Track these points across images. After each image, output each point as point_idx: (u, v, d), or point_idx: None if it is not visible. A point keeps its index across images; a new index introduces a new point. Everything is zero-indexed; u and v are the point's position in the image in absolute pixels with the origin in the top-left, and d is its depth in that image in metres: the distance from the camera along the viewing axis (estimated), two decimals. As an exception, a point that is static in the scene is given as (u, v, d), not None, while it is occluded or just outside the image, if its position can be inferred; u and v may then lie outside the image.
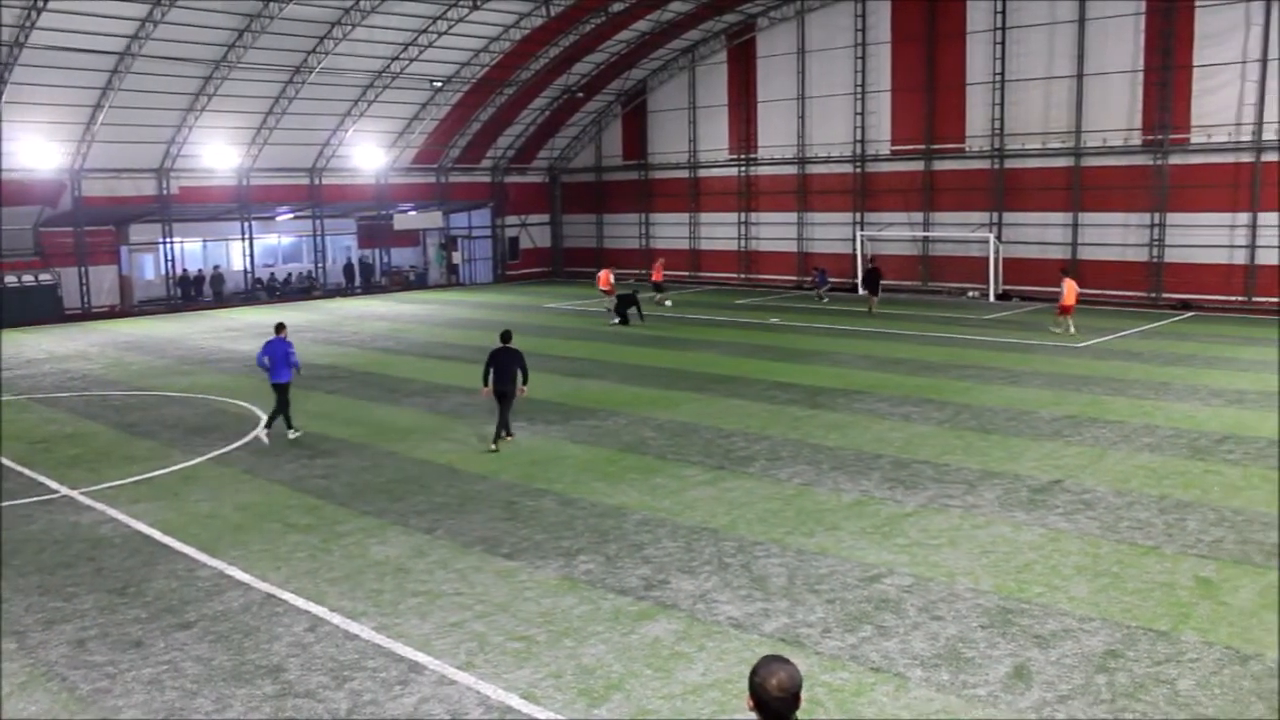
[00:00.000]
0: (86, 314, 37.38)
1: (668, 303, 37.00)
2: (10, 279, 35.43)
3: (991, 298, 37.09)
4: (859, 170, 41.39)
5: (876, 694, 8.18)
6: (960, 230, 38.67)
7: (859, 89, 40.79)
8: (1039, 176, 37.00)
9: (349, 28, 35.53)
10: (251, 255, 42.45)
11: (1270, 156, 32.14)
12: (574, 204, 52.98)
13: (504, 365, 16.33)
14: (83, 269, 37.64)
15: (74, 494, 14.36)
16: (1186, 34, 33.14)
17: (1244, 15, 32.09)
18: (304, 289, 44.43)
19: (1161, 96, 33.72)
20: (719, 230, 46.76)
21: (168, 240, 40.03)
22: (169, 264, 40.49)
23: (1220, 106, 32.94)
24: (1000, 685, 8.27)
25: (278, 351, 17.02)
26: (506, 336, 16.88)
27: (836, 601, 10.00)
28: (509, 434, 16.72)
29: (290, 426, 17.33)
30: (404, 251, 49.13)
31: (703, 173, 46.96)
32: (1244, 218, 32.93)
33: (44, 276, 36.40)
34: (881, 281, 34.57)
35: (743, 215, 45.58)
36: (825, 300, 37.50)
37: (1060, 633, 9.20)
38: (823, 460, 15.33)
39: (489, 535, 12.18)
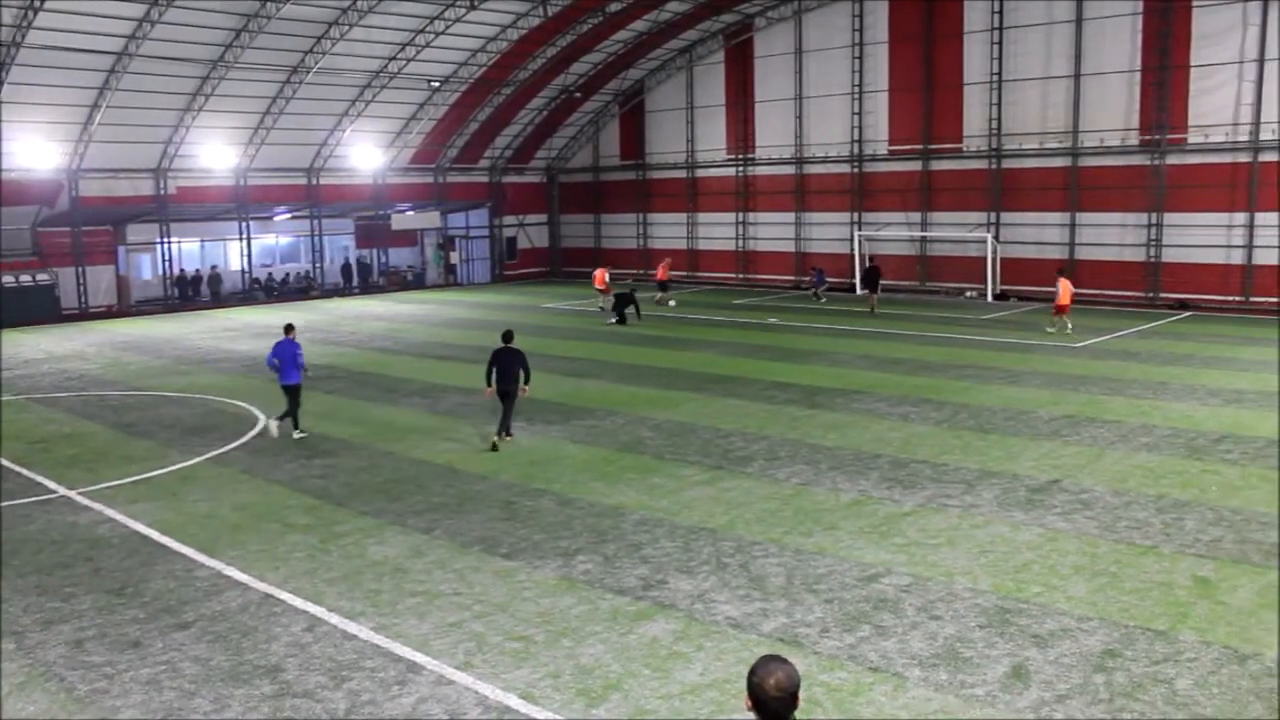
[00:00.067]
0: (84, 314, 37.35)
1: (671, 302, 36.99)
2: (8, 279, 35.41)
3: (989, 298, 37.10)
4: (856, 170, 41.39)
5: (875, 694, 8.18)
6: (958, 230, 38.69)
7: (856, 89, 40.80)
8: (1036, 176, 37.03)
9: (346, 27, 35.51)
10: (249, 255, 42.41)
11: (1267, 156, 32.17)
12: (572, 204, 52.97)
13: (506, 365, 16.41)
14: (80, 269, 37.62)
15: (72, 494, 14.35)
16: (1184, 34, 33.16)
17: (1241, 15, 32.11)
18: (302, 289, 44.39)
19: (1159, 96, 33.74)
20: (717, 230, 46.76)
21: (165, 240, 39.96)
22: (166, 264, 40.44)
23: (1217, 106, 32.97)
24: (998, 685, 8.28)
25: (286, 353, 17.06)
26: (508, 336, 16.93)
27: (834, 601, 10.01)
28: (508, 434, 16.74)
29: (297, 427, 17.41)
30: (402, 251, 49.14)
31: (700, 173, 46.95)
32: (1241, 218, 32.96)
33: (41, 276, 36.39)
34: (881, 280, 34.62)
35: (740, 215, 45.57)
36: (823, 300, 37.52)
37: (1058, 632, 9.21)
38: (821, 460, 15.34)
39: (487, 535, 12.18)
